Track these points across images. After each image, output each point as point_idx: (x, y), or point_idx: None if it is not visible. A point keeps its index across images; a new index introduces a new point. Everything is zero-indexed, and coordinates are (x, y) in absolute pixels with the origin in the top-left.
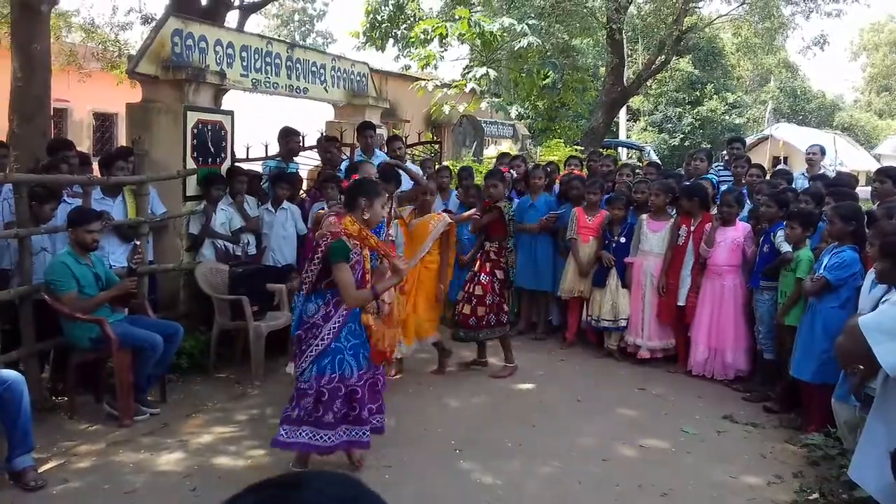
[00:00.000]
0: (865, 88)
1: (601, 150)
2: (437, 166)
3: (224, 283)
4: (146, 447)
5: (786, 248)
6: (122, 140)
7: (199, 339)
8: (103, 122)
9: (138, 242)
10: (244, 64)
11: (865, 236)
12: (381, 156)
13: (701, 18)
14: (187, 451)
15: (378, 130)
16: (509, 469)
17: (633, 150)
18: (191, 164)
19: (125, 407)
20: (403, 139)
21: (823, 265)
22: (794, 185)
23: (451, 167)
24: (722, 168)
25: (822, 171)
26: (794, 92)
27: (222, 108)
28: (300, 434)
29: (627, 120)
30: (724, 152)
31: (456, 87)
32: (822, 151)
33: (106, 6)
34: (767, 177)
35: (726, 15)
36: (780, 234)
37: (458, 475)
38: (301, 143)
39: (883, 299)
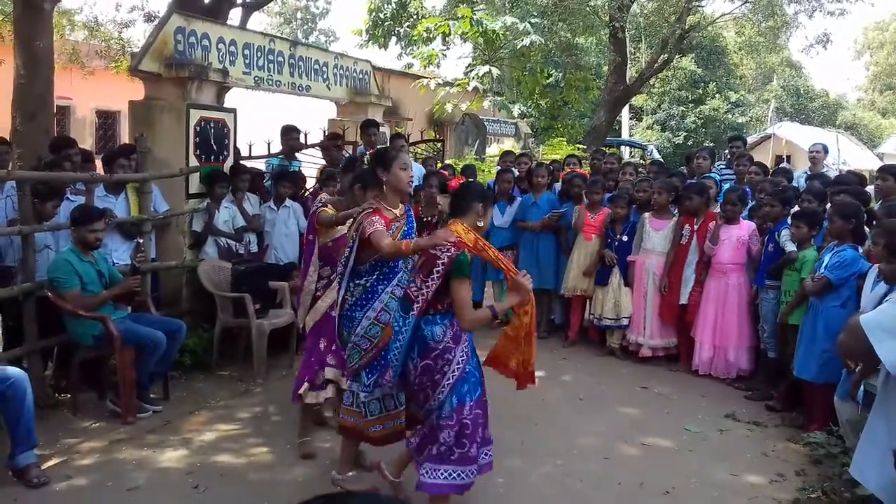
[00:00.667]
0: (869, 87)
1: (604, 148)
2: (439, 165)
3: (227, 281)
4: (149, 444)
5: (790, 247)
6: (125, 138)
7: (202, 336)
8: (106, 120)
9: (141, 241)
10: (247, 62)
11: (865, 234)
12: None
13: (704, 17)
14: (190, 449)
15: (381, 128)
16: (511, 467)
17: (636, 149)
18: (193, 162)
19: (128, 404)
20: (406, 137)
21: (824, 264)
22: (794, 184)
23: (454, 165)
24: (724, 167)
25: (825, 170)
26: (797, 91)
27: (225, 105)
28: (439, 474)
29: (630, 118)
30: (727, 151)
31: (458, 85)
32: (825, 150)
33: (109, 4)
34: (769, 175)
35: (729, 13)
36: (785, 233)
37: None
38: (304, 141)
39: (886, 298)
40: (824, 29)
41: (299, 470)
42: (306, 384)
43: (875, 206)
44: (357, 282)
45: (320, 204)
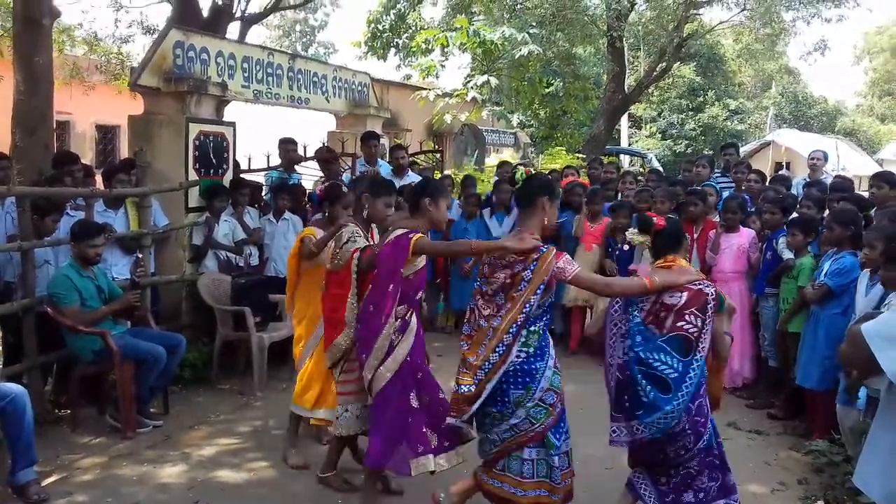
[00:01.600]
0: (868, 93)
1: (603, 157)
2: (438, 175)
3: (226, 295)
4: (149, 460)
5: (788, 255)
6: (124, 152)
7: (202, 350)
8: (106, 135)
9: (141, 255)
10: (245, 75)
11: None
12: (384, 165)
13: (702, 25)
14: (190, 464)
15: (380, 140)
16: None
17: (636, 158)
18: (193, 176)
19: (128, 419)
20: (405, 148)
21: (824, 272)
22: (794, 191)
23: (453, 176)
24: (720, 175)
25: (823, 177)
26: (796, 97)
27: (224, 119)
28: None
29: (629, 127)
30: (722, 160)
31: (457, 96)
32: (825, 157)
33: (108, 19)
34: (767, 183)
35: (727, 21)
36: (783, 240)
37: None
38: (303, 153)
39: (885, 304)
40: (822, 36)
41: (300, 484)
42: (425, 458)
43: (872, 212)
44: (532, 329)
45: (403, 233)
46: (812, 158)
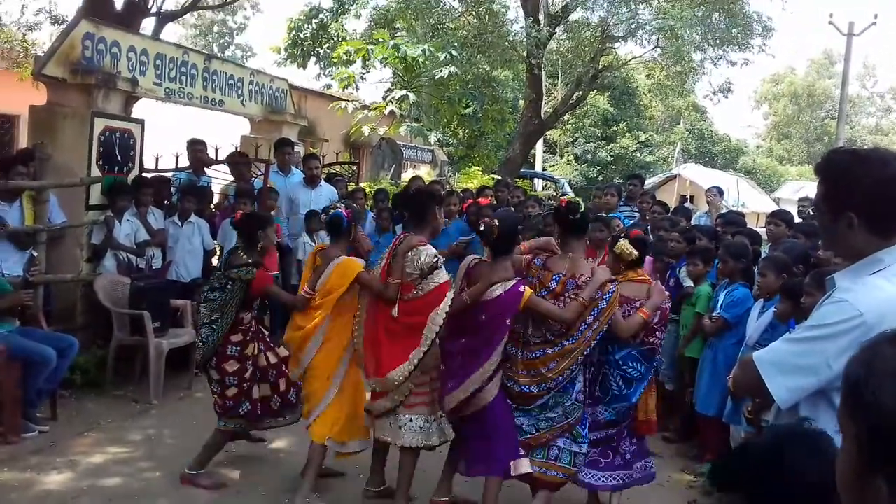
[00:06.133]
0: (767, 135)
1: (514, 180)
2: (352, 187)
3: (125, 297)
4: (32, 466)
5: (688, 283)
6: (23, 143)
7: (96, 354)
8: (4, 124)
9: (36, 254)
10: (158, 72)
11: (754, 273)
12: (297, 174)
13: (617, 58)
14: (76, 472)
15: (296, 148)
16: None
17: (549, 182)
18: (96, 172)
19: (12, 423)
20: (321, 158)
21: (719, 304)
22: (694, 222)
23: (366, 189)
24: (622, 203)
25: (725, 211)
26: (702, 134)
27: (133, 116)
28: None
29: (544, 152)
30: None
31: (376, 109)
32: (720, 193)
33: (15, 4)
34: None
35: (640, 57)
36: (685, 269)
37: None
38: (214, 156)
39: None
40: (727, 78)
41: (192, 494)
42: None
43: (762, 248)
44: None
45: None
46: (707, 195)
